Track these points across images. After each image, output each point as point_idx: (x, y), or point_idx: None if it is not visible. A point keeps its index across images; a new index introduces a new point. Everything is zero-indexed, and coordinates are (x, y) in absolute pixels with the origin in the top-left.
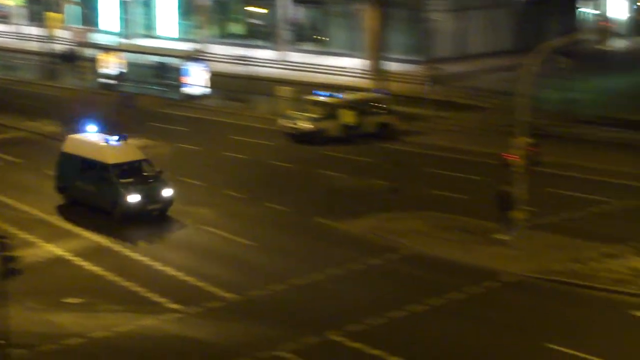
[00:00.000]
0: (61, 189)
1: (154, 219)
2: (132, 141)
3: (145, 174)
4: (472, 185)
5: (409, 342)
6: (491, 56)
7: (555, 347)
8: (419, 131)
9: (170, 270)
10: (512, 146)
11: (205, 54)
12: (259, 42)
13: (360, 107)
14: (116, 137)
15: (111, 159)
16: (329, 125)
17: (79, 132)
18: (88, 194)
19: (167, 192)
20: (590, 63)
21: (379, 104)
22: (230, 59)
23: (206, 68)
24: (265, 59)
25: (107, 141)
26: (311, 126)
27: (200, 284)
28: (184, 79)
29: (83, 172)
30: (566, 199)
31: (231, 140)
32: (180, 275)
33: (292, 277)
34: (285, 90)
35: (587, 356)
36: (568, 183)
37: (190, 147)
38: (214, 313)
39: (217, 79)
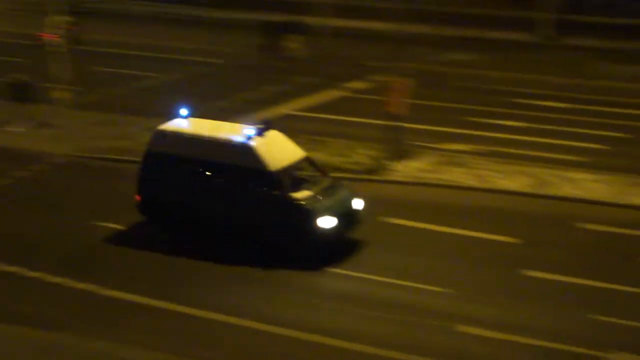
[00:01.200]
0: (150, 209)
1: None
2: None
3: (315, 179)
4: (14, 67)
5: None
6: None
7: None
8: None
9: None
10: (49, 25)
11: None
12: None
13: None
14: (255, 127)
15: (273, 164)
16: None
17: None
18: (225, 219)
19: (357, 204)
20: None
21: None
22: None
23: None
24: None
25: (250, 135)
26: None
27: None
28: None
29: (206, 185)
30: (110, 76)
31: None
32: None
33: None
34: None
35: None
36: (111, 60)
37: None
38: None
39: None
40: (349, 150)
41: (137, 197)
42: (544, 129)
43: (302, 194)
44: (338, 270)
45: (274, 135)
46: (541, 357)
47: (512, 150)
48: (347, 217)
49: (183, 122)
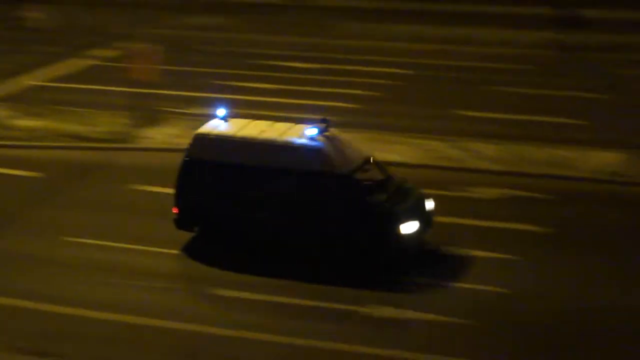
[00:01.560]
0: (190, 222)
1: None
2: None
3: (383, 180)
4: None
5: None
6: None
7: None
8: None
9: None
10: None
11: None
12: None
13: None
14: (315, 126)
15: (343, 166)
16: None
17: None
18: (290, 231)
19: (430, 205)
20: None
21: None
22: None
23: None
24: None
25: (313, 135)
26: None
27: None
28: None
29: (264, 194)
30: None
31: None
32: None
33: None
34: None
35: None
36: None
37: None
38: None
39: None
40: (98, 119)
41: (175, 210)
42: (294, 90)
43: (378, 198)
44: (80, 240)
45: (335, 134)
46: (296, 313)
47: (263, 112)
48: (424, 219)
49: (224, 124)
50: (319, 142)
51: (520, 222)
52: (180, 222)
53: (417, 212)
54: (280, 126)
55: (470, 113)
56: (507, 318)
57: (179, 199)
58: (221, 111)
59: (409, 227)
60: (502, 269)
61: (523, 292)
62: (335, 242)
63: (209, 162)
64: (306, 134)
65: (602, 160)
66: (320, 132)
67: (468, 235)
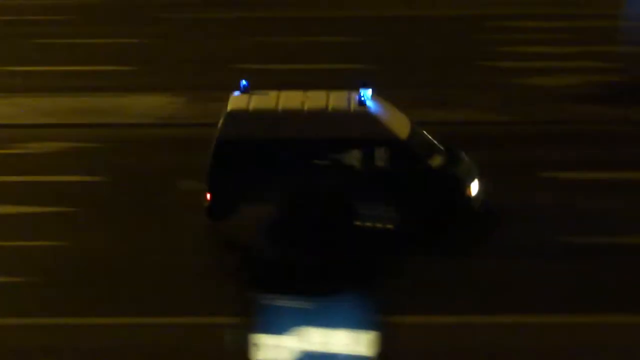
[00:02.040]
0: (228, 211)
1: None
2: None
3: (429, 144)
4: None
5: None
6: None
7: None
8: None
9: None
10: None
11: None
12: None
13: None
14: (360, 92)
15: (400, 132)
16: None
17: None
18: (351, 208)
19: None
20: None
21: None
22: None
23: None
24: None
25: (363, 101)
26: None
27: None
28: None
29: (317, 170)
30: None
31: None
32: None
33: None
34: None
35: None
36: None
37: None
38: None
39: None
40: None
41: (208, 196)
42: None
43: (436, 162)
44: None
45: (380, 99)
46: None
47: None
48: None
49: (252, 98)
50: (371, 109)
51: (77, 173)
52: (215, 212)
53: (474, 172)
54: (317, 94)
55: (18, 68)
56: (69, 272)
57: (214, 185)
58: (243, 84)
59: (473, 189)
60: (58, 222)
61: (79, 244)
62: (402, 213)
63: (250, 140)
64: (356, 99)
65: (152, 104)
66: (369, 97)
67: (21, 192)
